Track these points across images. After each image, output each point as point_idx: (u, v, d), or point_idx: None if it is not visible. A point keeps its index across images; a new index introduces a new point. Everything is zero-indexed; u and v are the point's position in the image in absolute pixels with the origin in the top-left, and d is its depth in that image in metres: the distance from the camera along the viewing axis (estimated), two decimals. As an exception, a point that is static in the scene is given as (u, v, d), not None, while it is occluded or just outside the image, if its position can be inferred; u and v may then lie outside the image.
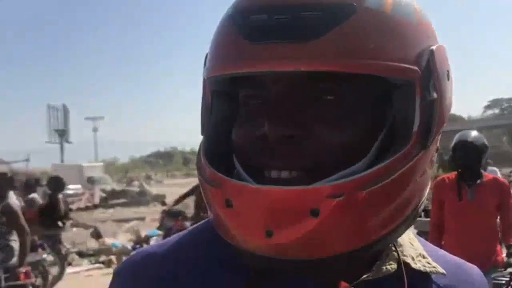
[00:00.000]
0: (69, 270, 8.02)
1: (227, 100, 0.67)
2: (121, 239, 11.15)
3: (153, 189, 26.87)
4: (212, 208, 0.61)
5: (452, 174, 3.85)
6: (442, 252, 0.75)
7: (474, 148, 3.69)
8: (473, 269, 0.75)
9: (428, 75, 0.58)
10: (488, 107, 79.70)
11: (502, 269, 3.65)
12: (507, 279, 3.69)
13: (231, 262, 0.64)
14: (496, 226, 3.76)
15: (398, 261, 0.65)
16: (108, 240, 10.86)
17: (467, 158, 3.68)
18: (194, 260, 0.66)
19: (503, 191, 3.72)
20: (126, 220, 14.93)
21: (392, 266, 0.64)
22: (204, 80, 0.66)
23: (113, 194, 24.99)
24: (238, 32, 0.57)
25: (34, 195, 8.37)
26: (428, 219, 4.48)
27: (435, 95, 0.58)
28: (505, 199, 3.70)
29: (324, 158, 0.57)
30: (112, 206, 22.19)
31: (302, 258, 0.56)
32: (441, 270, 0.68)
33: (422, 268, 0.67)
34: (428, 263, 0.68)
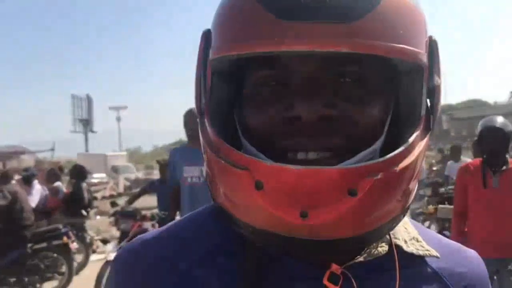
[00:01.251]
0: (93, 257, 8.14)
1: (228, 80, 0.65)
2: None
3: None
4: (231, 191, 0.59)
5: (477, 161, 3.78)
6: (438, 236, 0.75)
7: (502, 134, 3.61)
8: (471, 254, 0.74)
9: (432, 62, 0.61)
10: (515, 92, 78.09)
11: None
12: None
13: (230, 248, 0.64)
14: None
15: (390, 244, 0.66)
16: (132, 228, 10.98)
17: (495, 144, 3.60)
18: (193, 246, 0.65)
19: None
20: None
21: (383, 248, 0.65)
22: (202, 59, 0.64)
23: (137, 182, 25.28)
24: (266, 10, 0.55)
25: (58, 184, 8.52)
26: (452, 206, 4.42)
27: (438, 81, 0.61)
28: None
29: (352, 138, 0.58)
30: (136, 194, 22.36)
31: (334, 237, 0.56)
32: (434, 253, 0.68)
33: (414, 251, 0.67)
34: (422, 246, 0.68)
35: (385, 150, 0.60)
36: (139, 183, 24.62)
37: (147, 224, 5.89)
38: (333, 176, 0.53)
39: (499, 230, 3.46)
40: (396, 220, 0.61)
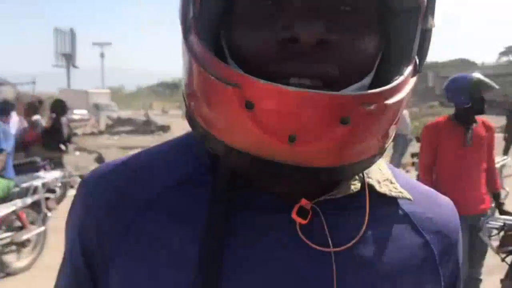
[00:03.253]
0: (70, 192, 8.19)
1: None
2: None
3: (158, 119, 26.93)
4: (216, 108, 0.56)
5: (444, 117, 3.67)
6: (413, 181, 0.73)
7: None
8: (445, 200, 0.73)
9: (428, 5, 0.60)
10: (503, 53, 77.96)
11: (491, 214, 3.62)
12: (501, 224, 3.50)
13: (198, 178, 0.63)
14: (484, 171, 3.65)
15: (363, 183, 0.64)
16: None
17: (482, 98, 3.51)
18: (161, 176, 0.64)
19: (491, 135, 3.63)
20: (131, 148, 14.98)
21: (355, 186, 0.63)
22: None
23: (119, 121, 25.12)
24: None
25: (37, 117, 8.43)
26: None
27: (432, 24, 0.61)
28: (491, 144, 3.61)
29: (344, 69, 0.56)
30: (118, 133, 22.33)
31: (318, 165, 0.54)
32: (407, 195, 0.66)
33: (387, 192, 0.65)
34: (395, 188, 0.67)
35: (371, 88, 0.58)
36: (121, 122, 24.49)
37: None
38: (329, 102, 0.51)
39: (470, 187, 3.46)
40: (374, 159, 0.60)
